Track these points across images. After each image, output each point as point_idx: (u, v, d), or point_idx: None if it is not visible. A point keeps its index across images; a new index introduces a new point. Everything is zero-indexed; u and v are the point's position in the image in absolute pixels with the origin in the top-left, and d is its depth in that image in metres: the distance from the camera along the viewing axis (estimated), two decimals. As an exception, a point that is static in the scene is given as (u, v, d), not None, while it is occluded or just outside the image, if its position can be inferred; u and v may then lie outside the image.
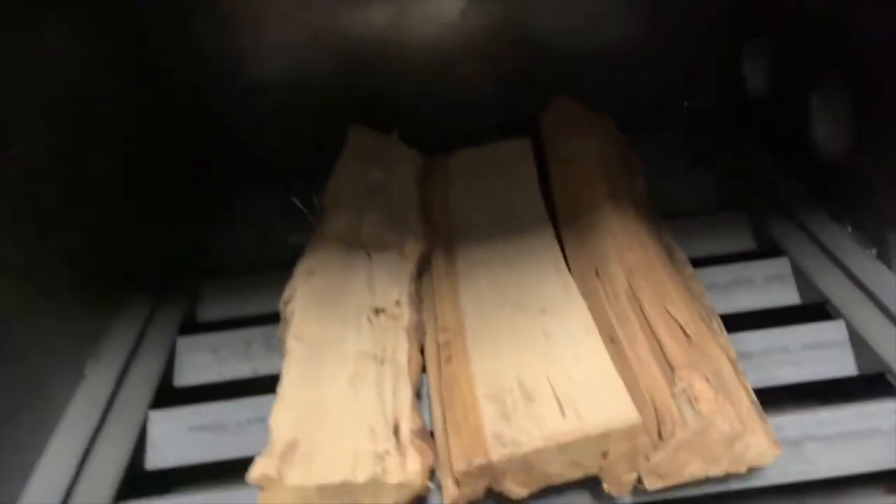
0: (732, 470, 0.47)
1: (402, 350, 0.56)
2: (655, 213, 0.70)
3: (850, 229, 0.66)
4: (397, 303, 0.60)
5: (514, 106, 0.92)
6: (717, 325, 0.57)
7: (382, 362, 0.55)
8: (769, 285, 0.66)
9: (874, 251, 0.63)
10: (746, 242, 0.74)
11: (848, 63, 0.65)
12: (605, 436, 0.44)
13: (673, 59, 0.91)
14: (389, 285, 0.62)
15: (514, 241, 0.67)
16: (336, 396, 0.51)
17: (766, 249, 0.70)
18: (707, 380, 0.47)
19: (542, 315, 0.56)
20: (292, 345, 0.55)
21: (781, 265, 0.67)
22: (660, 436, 0.47)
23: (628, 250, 0.59)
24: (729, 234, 0.75)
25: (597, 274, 0.60)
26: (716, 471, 0.47)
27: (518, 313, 0.57)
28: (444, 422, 0.50)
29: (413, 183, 0.79)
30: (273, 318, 0.67)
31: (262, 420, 0.59)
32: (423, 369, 0.57)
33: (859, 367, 0.57)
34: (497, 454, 0.44)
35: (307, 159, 0.89)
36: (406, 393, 0.52)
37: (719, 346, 0.53)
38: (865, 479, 0.51)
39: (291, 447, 0.47)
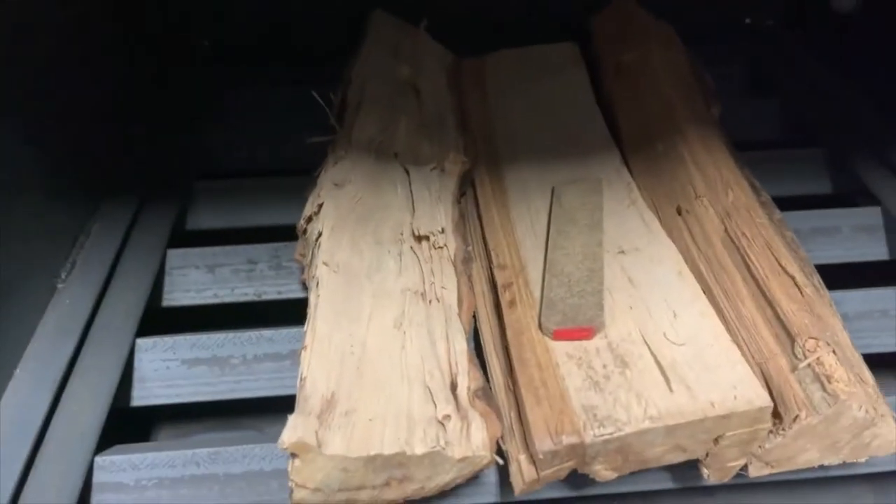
0: (851, 459, 0.40)
1: (450, 287, 0.47)
2: (731, 143, 0.60)
3: (953, 179, 0.58)
4: (442, 230, 0.50)
5: (558, 5, 0.80)
6: (819, 281, 0.48)
7: (430, 301, 0.45)
8: (857, 237, 0.58)
9: None
10: (823, 184, 0.65)
11: None
12: (726, 419, 0.36)
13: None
14: (432, 207, 0.51)
15: (573, 164, 0.57)
16: (380, 341, 0.42)
17: (851, 194, 0.62)
18: (835, 353, 0.39)
19: (621, 256, 0.47)
20: (322, 272, 0.45)
21: (872, 215, 0.59)
22: (775, 415, 0.39)
23: (723, 187, 0.50)
24: (803, 172, 0.66)
25: (679, 212, 0.51)
26: (833, 460, 0.40)
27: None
28: (510, 381, 0.42)
29: (445, 85, 0.68)
30: (282, 233, 0.57)
31: (275, 357, 0.50)
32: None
33: (965, 339, 0.51)
34: (591, 433, 0.36)
35: (313, 41, 0.77)
36: (460, 341, 0.43)
37: (831, 308, 0.45)
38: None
39: (329, 404, 0.38)
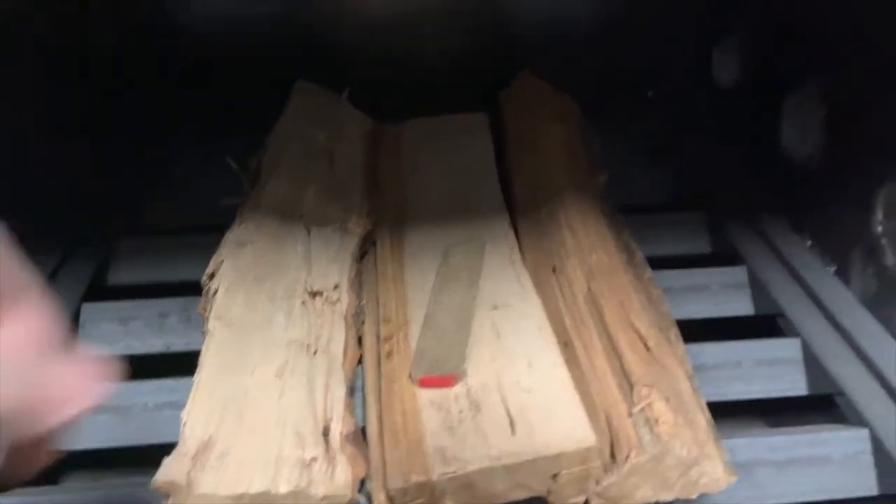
0: (683, 496, 0.44)
1: (337, 340, 0.51)
2: (614, 208, 0.66)
3: (809, 242, 0.65)
4: (336, 286, 0.55)
5: (473, 76, 0.87)
6: (675, 335, 0.54)
7: (315, 353, 0.49)
8: (725, 294, 0.64)
9: (833, 268, 0.61)
10: (702, 245, 0.71)
11: (828, 71, 0.62)
12: (557, 458, 0.40)
13: (641, 42, 0.87)
14: (328, 265, 0.56)
15: (466, 227, 0.62)
16: (260, 390, 0.45)
17: (724, 254, 0.68)
18: (667, 400, 0.44)
19: (493, 311, 0.52)
20: (214, 326, 0.49)
21: (739, 274, 0.64)
22: (612, 456, 0.43)
23: (590, 250, 0.55)
24: (685, 234, 0.72)
25: (553, 272, 0.56)
26: (666, 496, 0.44)
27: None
28: (381, 426, 0.46)
29: (361, 151, 0.73)
30: (196, 289, 0.61)
31: (176, 406, 0.53)
32: (360, 362, 0.52)
33: (811, 387, 0.56)
34: (438, 472, 0.40)
35: (243, 112, 0.82)
36: (339, 389, 0.47)
37: (678, 359, 0.50)
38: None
39: (206, 447, 0.41)
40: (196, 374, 0.46)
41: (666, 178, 0.80)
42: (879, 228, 0.55)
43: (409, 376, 0.46)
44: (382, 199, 0.67)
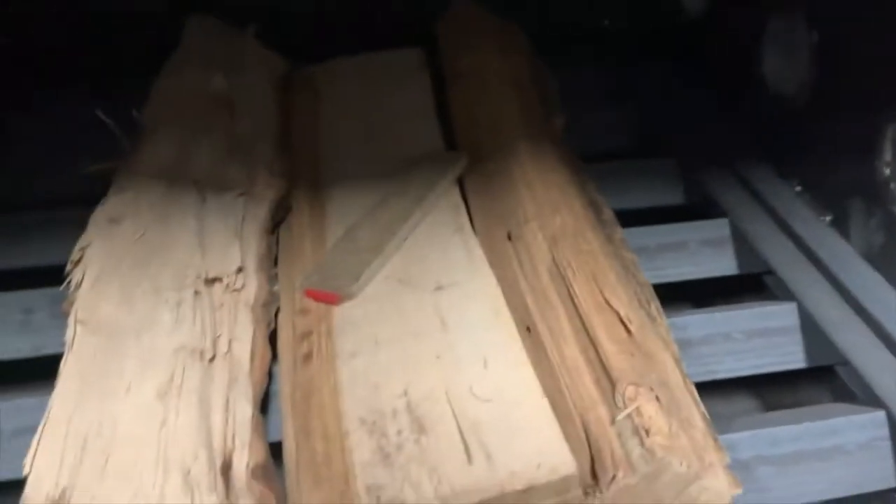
0: (679, 517, 0.36)
1: (243, 339, 0.40)
2: (575, 157, 0.56)
3: (798, 188, 0.56)
4: (240, 269, 0.44)
5: (406, 5, 0.74)
6: (656, 309, 0.45)
7: (213, 359, 0.38)
8: (704, 251, 0.55)
9: (828, 218, 0.53)
10: (675, 195, 0.62)
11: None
12: (527, 492, 0.31)
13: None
14: (229, 242, 0.45)
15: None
16: (135, 418, 0.35)
17: (701, 205, 0.59)
18: (658, 400, 0.35)
19: (437, 294, 0.42)
20: (78, 334, 0.38)
21: (719, 228, 0.56)
22: (593, 473, 0.34)
23: (552, 210, 0.45)
24: (654, 184, 0.63)
25: (509, 238, 0.46)
26: (659, 520, 0.35)
27: (406, 290, 0.42)
28: (298, 454, 0.35)
29: (271, 98, 0.61)
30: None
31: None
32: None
33: (811, 358, 0.48)
34: (371, 523, 0.30)
35: (127, 56, 0.68)
36: (245, 407, 0.37)
37: (663, 341, 0.41)
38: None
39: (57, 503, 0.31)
40: (50, 401, 0.35)
41: (628, 120, 0.71)
42: (887, 171, 0.47)
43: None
44: (299, 155, 0.56)
